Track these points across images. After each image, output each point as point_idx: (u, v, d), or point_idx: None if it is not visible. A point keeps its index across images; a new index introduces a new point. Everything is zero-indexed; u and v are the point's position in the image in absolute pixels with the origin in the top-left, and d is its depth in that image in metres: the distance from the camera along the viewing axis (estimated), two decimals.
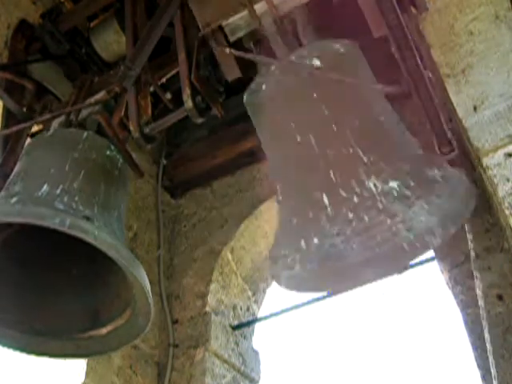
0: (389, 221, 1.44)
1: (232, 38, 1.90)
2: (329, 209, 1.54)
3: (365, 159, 1.57)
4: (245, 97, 1.81)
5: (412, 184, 1.52)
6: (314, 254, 1.50)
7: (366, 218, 1.47)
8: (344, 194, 1.53)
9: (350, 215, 1.49)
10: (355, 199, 1.51)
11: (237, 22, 1.87)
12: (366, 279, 1.55)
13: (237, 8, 1.84)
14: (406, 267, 1.59)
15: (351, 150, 1.59)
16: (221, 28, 1.88)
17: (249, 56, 1.87)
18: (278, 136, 1.76)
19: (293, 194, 1.69)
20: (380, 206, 1.49)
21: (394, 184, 1.53)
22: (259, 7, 1.83)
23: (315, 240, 1.52)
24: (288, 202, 1.70)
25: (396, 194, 1.50)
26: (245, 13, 1.84)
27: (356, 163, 1.57)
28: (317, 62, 1.69)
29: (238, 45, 1.92)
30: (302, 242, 1.53)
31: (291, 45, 1.82)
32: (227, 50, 1.85)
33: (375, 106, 1.73)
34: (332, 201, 1.54)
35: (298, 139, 1.65)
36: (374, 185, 1.52)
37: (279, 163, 1.78)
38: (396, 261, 1.45)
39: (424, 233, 1.41)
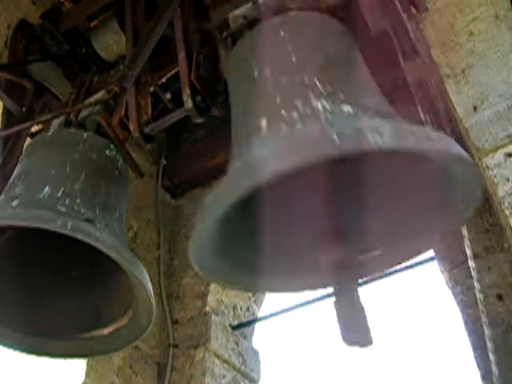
0: (323, 117, 1.18)
1: (234, 26, 1.91)
2: (264, 130, 1.32)
3: (320, 87, 1.33)
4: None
5: (373, 113, 1.25)
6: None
7: (300, 126, 1.22)
8: (284, 113, 1.30)
9: (284, 129, 1.26)
10: (295, 115, 1.27)
11: (240, 12, 1.88)
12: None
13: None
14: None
15: (307, 80, 1.36)
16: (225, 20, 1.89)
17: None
18: (239, 82, 1.60)
19: (239, 130, 1.53)
20: (322, 118, 1.22)
21: (348, 108, 1.25)
22: None
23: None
24: (234, 140, 1.52)
25: (347, 114, 1.23)
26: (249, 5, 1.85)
27: (309, 89, 1.34)
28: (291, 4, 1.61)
29: None
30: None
31: None
32: (225, 34, 1.85)
33: (344, 48, 1.57)
34: (270, 122, 1.32)
35: (255, 74, 1.49)
36: (323, 106, 1.26)
37: (236, 112, 1.59)
38: (318, 149, 1.10)
39: (367, 129, 1.08)
